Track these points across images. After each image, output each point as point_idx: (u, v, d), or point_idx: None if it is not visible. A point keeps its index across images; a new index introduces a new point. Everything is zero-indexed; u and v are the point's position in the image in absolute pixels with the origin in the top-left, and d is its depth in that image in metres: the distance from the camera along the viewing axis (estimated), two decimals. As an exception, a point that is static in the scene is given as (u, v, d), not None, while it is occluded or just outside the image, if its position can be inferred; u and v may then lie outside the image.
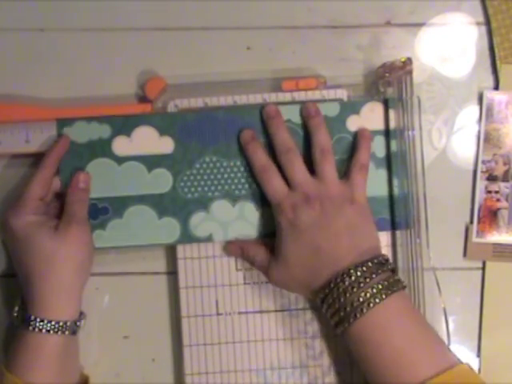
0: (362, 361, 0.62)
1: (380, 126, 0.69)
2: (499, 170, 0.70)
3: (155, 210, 0.69)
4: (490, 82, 0.71)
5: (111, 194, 0.69)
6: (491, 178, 0.70)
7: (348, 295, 0.62)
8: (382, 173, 0.69)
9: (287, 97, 0.70)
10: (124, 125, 0.69)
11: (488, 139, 0.70)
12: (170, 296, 0.71)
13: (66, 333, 0.64)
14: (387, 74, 0.69)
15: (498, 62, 0.71)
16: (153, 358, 0.71)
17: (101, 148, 0.69)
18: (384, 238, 0.69)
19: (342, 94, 0.70)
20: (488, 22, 0.71)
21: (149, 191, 0.69)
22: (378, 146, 0.69)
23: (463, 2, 0.72)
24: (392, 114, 0.69)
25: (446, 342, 0.69)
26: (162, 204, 0.69)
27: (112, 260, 0.71)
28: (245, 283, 0.70)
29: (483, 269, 0.70)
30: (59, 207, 0.68)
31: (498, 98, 0.70)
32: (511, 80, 0.70)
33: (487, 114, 0.70)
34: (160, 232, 0.69)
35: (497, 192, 0.70)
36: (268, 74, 0.72)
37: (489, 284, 0.70)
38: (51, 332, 0.64)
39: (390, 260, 0.65)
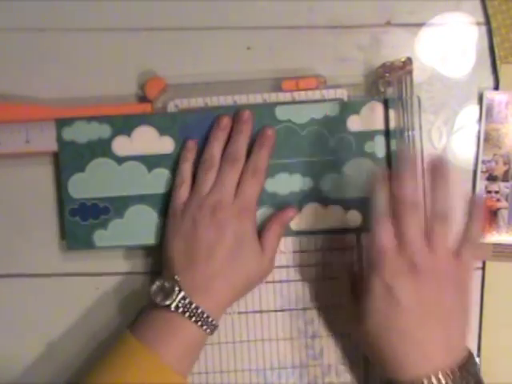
0: None
1: (380, 126, 0.69)
2: (499, 169, 0.70)
3: (155, 210, 0.69)
4: (490, 82, 0.71)
5: (112, 194, 0.69)
6: (491, 178, 0.70)
7: None
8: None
9: (287, 97, 0.70)
10: (124, 125, 0.69)
11: (488, 139, 0.70)
12: (169, 296, 0.71)
13: (208, 330, 0.64)
14: (387, 74, 0.69)
15: (498, 62, 0.71)
16: (153, 357, 0.71)
17: (101, 148, 0.69)
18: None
19: (342, 94, 0.70)
20: (488, 22, 0.71)
21: (149, 191, 0.69)
22: (378, 146, 0.69)
23: (463, 1, 0.72)
24: (392, 113, 0.69)
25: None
26: (163, 204, 0.69)
27: (112, 260, 0.71)
28: (245, 283, 0.70)
29: (483, 269, 0.70)
30: None
31: (498, 97, 0.70)
32: (511, 80, 0.70)
33: (487, 114, 0.70)
34: (160, 232, 0.69)
35: (497, 192, 0.70)
36: (268, 74, 0.72)
37: (489, 284, 0.70)
38: (208, 331, 0.64)
39: (475, 358, 0.60)
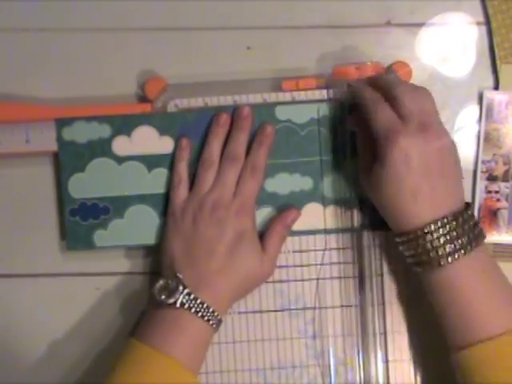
0: (435, 304, 0.62)
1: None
2: (499, 169, 0.70)
3: (155, 210, 0.69)
4: (490, 82, 0.71)
5: (112, 194, 0.69)
6: (491, 178, 0.70)
7: (436, 243, 0.60)
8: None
9: (287, 97, 0.70)
10: (124, 125, 0.69)
11: (488, 139, 0.70)
12: (169, 296, 0.71)
13: (215, 326, 0.65)
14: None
15: (498, 62, 0.71)
16: (153, 357, 0.71)
17: (101, 148, 0.69)
18: (383, 237, 0.70)
19: (342, 94, 0.70)
20: (488, 22, 0.71)
21: (149, 191, 0.69)
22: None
23: (463, 1, 0.72)
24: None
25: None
26: (163, 204, 0.69)
27: (112, 260, 0.71)
28: (245, 283, 0.70)
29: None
30: None
31: (498, 98, 0.70)
32: (511, 80, 0.70)
33: (487, 113, 0.70)
34: (160, 232, 0.69)
35: (497, 192, 0.70)
36: (268, 74, 0.72)
37: (489, 284, 0.70)
38: (214, 326, 0.64)
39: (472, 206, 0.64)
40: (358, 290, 0.70)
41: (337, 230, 0.70)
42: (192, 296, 0.63)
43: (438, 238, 0.60)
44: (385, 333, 0.70)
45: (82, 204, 0.69)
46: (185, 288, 0.63)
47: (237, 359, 0.70)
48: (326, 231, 0.70)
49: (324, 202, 0.69)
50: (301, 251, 0.70)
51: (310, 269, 0.70)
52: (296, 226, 0.69)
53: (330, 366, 0.70)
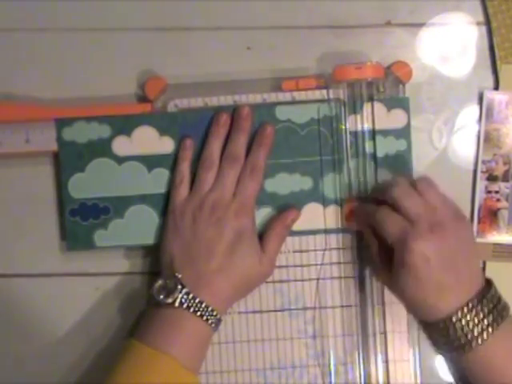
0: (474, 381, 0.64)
1: (380, 125, 0.69)
2: (499, 169, 0.70)
3: (156, 210, 0.69)
4: (490, 82, 0.71)
5: (112, 194, 0.69)
6: (491, 178, 0.70)
7: (466, 329, 0.61)
8: (382, 173, 0.70)
9: (287, 97, 0.70)
10: (124, 125, 0.69)
11: (488, 139, 0.70)
12: (169, 296, 0.71)
13: (213, 325, 0.65)
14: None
15: (498, 62, 0.71)
16: (153, 357, 0.71)
17: (101, 148, 0.69)
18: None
19: (342, 93, 0.70)
20: (488, 22, 0.71)
21: (149, 191, 0.69)
22: (378, 146, 0.69)
23: (463, 1, 0.72)
24: (392, 113, 0.69)
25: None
26: (163, 204, 0.69)
27: (112, 260, 0.71)
28: (245, 283, 0.70)
29: (483, 269, 0.70)
30: None
31: (498, 97, 0.70)
32: (511, 80, 0.70)
33: (487, 114, 0.70)
34: (161, 232, 0.69)
35: (497, 192, 0.70)
36: (268, 74, 0.72)
37: (489, 284, 0.70)
38: (213, 325, 0.64)
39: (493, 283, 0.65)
40: (357, 290, 0.70)
41: (337, 230, 0.70)
42: (191, 295, 0.63)
43: (468, 323, 0.61)
44: (385, 333, 0.70)
45: (82, 204, 0.69)
46: (183, 287, 0.64)
47: (237, 359, 0.70)
48: (326, 231, 0.70)
49: (324, 202, 0.69)
50: (301, 251, 0.70)
51: (309, 269, 0.70)
52: (296, 226, 0.69)
53: (330, 365, 0.70)
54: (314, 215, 0.69)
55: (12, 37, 0.72)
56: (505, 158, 0.70)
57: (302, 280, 0.70)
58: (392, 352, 0.69)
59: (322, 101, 0.70)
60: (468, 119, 0.71)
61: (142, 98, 0.71)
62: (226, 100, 0.70)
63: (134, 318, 0.70)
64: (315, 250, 0.70)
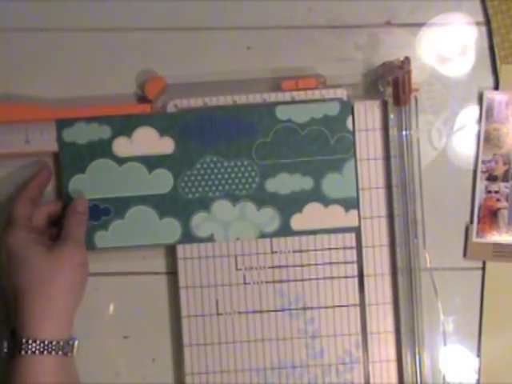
0: None
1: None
2: (499, 170, 0.70)
3: (156, 211, 0.69)
4: (490, 82, 0.71)
5: (112, 195, 0.69)
6: (491, 178, 0.70)
7: None
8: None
9: (287, 96, 0.70)
10: (124, 125, 0.69)
11: (488, 139, 0.70)
12: (169, 296, 0.71)
13: (60, 353, 0.64)
14: (386, 74, 0.69)
15: (498, 62, 0.71)
16: (153, 357, 0.71)
17: (101, 149, 0.69)
18: (383, 237, 0.70)
19: (342, 93, 0.70)
20: (488, 22, 0.71)
21: (150, 192, 0.69)
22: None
23: (463, 2, 0.72)
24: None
25: (443, 342, 0.70)
26: (163, 204, 0.69)
27: (112, 260, 0.71)
28: (245, 283, 0.70)
29: (483, 269, 0.70)
30: (55, 232, 0.68)
31: (498, 98, 0.70)
32: (511, 80, 0.70)
33: (487, 113, 0.70)
34: (161, 232, 0.69)
35: (497, 192, 0.70)
36: (268, 74, 0.72)
37: (489, 284, 0.70)
38: (45, 353, 0.63)
39: None
40: (357, 290, 0.70)
41: (337, 230, 0.70)
42: (24, 340, 0.63)
43: None
44: (385, 332, 0.70)
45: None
46: (11, 337, 0.64)
47: (237, 359, 0.70)
48: (326, 231, 0.70)
49: (324, 202, 0.69)
50: (301, 251, 0.70)
51: (309, 269, 0.70)
52: (296, 226, 0.69)
53: (329, 365, 0.70)
54: (314, 215, 0.69)
55: (12, 37, 0.72)
56: (505, 157, 0.70)
57: (302, 280, 0.70)
58: (392, 352, 0.70)
59: (321, 100, 0.70)
60: (468, 119, 0.71)
61: (142, 98, 0.71)
62: (225, 100, 0.70)
63: (134, 318, 0.70)
64: (315, 250, 0.70)
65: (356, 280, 0.70)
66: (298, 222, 0.69)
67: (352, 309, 0.70)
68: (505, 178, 0.70)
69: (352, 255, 0.70)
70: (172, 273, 0.71)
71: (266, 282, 0.70)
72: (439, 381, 0.70)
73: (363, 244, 0.70)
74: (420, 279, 0.68)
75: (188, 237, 0.69)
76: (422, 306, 0.68)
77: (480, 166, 0.71)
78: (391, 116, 0.69)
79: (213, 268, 0.70)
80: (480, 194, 0.70)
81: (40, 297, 0.64)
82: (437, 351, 0.70)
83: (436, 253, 0.70)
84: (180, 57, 0.72)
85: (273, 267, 0.70)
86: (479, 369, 0.70)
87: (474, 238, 0.70)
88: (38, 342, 0.63)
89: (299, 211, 0.69)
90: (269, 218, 0.69)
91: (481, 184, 0.70)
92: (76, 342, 0.66)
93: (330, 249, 0.70)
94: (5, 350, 0.64)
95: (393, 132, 0.69)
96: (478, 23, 0.72)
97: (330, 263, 0.70)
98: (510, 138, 0.70)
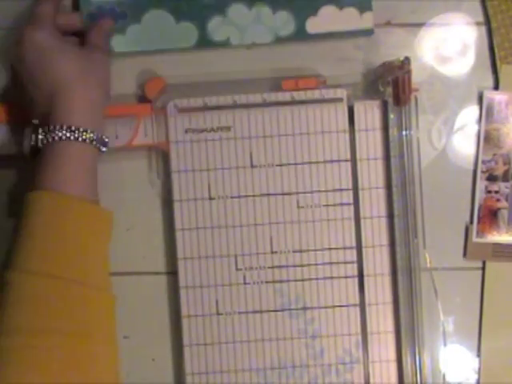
0: None
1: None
2: (499, 169, 0.70)
3: (173, 15, 0.69)
4: (490, 82, 0.71)
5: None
6: (491, 178, 0.70)
7: None
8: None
9: (287, 96, 0.70)
10: None
11: (488, 139, 0.70)
12: (169, 296, 0.71)
13: (94, 143, 0.64)
14: (386, 74, 0.69)
15: (498, 62, 0.71)
16: (153, 358, 0.71)
17: None
18: (383, 237, 0.70)
19: (342, 93, 0.70)
20: (488, 22, 0.71)
21: None
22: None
23: (463, 2, 0.72)
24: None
25: (443, 342, 0.70)
26: (180, 8, 0.69)
27: (112, 260, 0.71)
28: (245, 283, 0.70)
29: (483, 269, 0.70)
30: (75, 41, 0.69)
31: (498, 97, 0.70)
32: (511, 80, 0.70)
33: (487, 113, 0.70)
34: (178, 37, 0.70)
35: (497, 192, 0.70)
36: (268, 74, 0.72)
37: (489, 284, 0.70)
38: (92, 143, 0.64)
39: None
40: (357, 290, 0.70)
41: (351, 33, 0.70)
42: (73, 128, 0.63)
43: None
44: (385, 332, 0.70)
45: (100, 8, 0.70)
46: (38, 127, 0.64)
47: (237, 359, 0.70)
48: (341, 34, 0.70)
49: (339, 5, 0.70)
50: (301, 251, 0.70)
51: (309, 269, 0.70)
52: (311, 29, 0.70)
53: (330, 365, 0.70)
54: (329, 17, 0.69)
55: (12, 37, 0.72)
56: (505, 157, 0.70)
57: (302, 280, 0.70)
58: (392, 352, 0.70)
59: (321, 100, 0.70)
60: (468, 119, 0.71)
61: (142, 98, 0.71)
62: (225, 100, 0.70)
63: (134, 318, 0.70)
64: (315, 250, 0.70)
65: (356, 280, 0.70)
66: (313, 24, 0.70)
67: (352, 309, 0.70)
68: (505, 178, 0.70)
69: (352, 255, 0.70)
70: (172, 273, 0.71)
71: (266, 282, 0.70)
72: (439, 381, 0.70)
73: (363, 244, 0.70)
74: (420, 279, 0.68)
75: (204, 41, 0.70)
76: (422, 305, 0.68)
77: (480, 166, 0.71)
78: (391, 116, 0.69)
79: (213, 268, 0.70)
80: (480, 194, 0.70)
81: (78, 91, 0.64)
82: (437, 351, 0.70)
83: (436, 253, 0.70)
84: (180, 57, 0.72)
85: (273, 267, 0.70)
86: (479, 369, 0.70)
87: (474, 238, 0.70)
88: (88, 131, 0.63)
89: (314, 14, 0.70)
90: (284, 21, 0.70)
91: (481, 184, 0.70)
92: (107, 140, 0.66)
93: (329, 249, 0.70)
94: (32, 142, 0.64)
95: (393, 132, 0.69)
96: (477, 23, 0.72)
97: (330, 263, 0.70)
98: (510, 138, 0.70)
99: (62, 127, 0.63)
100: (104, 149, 0.65)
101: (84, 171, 0.63)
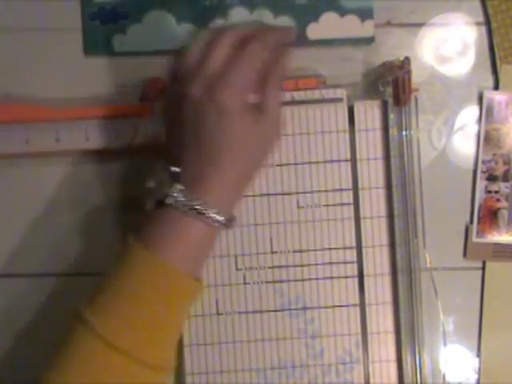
0: None
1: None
2: (499, 169, 0.70)
3: (174, 16, 0.70)
4: (490, 82, 0.71)
5: None
6: (491, 178, 0.70)
7: None
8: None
9: (287, 96, 0.70)
10: None
11: (488, 139, 0.70)
12: (170, 296, 0.71)
13: (227, 226, 0.59)
14: (386, 74, 0.69)
15: (498, 62, 0.71)
16: (153, 357, 0.71)
17: None
18: (383, 237, 0.70)
19: (342, 93, 0.70)
20: (488, 22, 0.71)
21: None
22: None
23: (463, 2, 0.72)
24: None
25: (443, 342, 0.69)
26: (181, 10, 0.69)
27: (112, 258, 0.71)
28: (245, 283, 0.70)
29: (483, 269, 0.70)
30: None
31: (498, 98, 0.70)
32: (511, 80, 0.70)
33: (487, 113, 0.70)
34: (179, 38, 0.69)
35: (497, 192, 0.70)
36: (268, 74, 0.72)
37: (489, 284, 0.70)
38: (221, 227, 0.59)
39: None
40: (357, 290, 0.70)
41: (352, 41, 0.71)
42: (186, 194, 0.57)
43: None
44: (385, 332, 0.70)
45: (101, 8, 0.70)
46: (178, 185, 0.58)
47: (237, 359, 0.70)
48: (342, 41, 0.70)
49: (340, 12, 0.70)
50: (301, 251, 0.70)
51: (309, 269, 0.70)
52: (312, 35, 0.70)
53: (329, 365, 0.70)
54: (330, 24, 0.69)
55: (12, 37, 0.72)
56: (505, 157, 0.70)
57: (302, 280, 0.70)
58: (392, 351, 0.70)
59: (321, 100, 0.70)
60: (468, 119, 0.71)
61: (142, 98, 0.71)
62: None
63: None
64: (315, 250, 0.70)
65: (356, 280, 0.70)
66: (314, 31, 0.70)
67: (352, 309, 0.70)
68: (505, 178, 0.70)
69: (352, 255, 0.70)
70: (172, 273, 0.71)
71: (266, 282, 0.70)
72: (439, 381, 0.70)
73: (363, 244, 0.70)
74: (420, 279, 0.68)
75: None
76: (422, 305, 0.68)
77: (480, 166, 0.71)
78: (391, 116, 0.69)
79: (213, 268, 0.70)
80: (480, 194, 0.70)
81: (237, 170, 0.58)
82: (437, 351, 0.70)
83: (436, 253, 0.70)
84: (180, 57, 0.72)
85: (273, 267, 0.70)
86: (479, 369, 0.70)
87: (474, 238, 0.70)
88: (224, 217, 0.58)
89: (315, 20, 0.70)
90: (286, 24, 0.70)
91: (481, 184, 0.70)
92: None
93: (329, 249, 0.70)
94: (163, 197, 0.57)
95: (393, 132, 0.69)
96: (478, 23, 0.72)
97: (330, 263, 0.70)
98: (510, 138, 0.70)
99: (198, 200, 0.57)
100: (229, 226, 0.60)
101: (200, 250, 0.60)
